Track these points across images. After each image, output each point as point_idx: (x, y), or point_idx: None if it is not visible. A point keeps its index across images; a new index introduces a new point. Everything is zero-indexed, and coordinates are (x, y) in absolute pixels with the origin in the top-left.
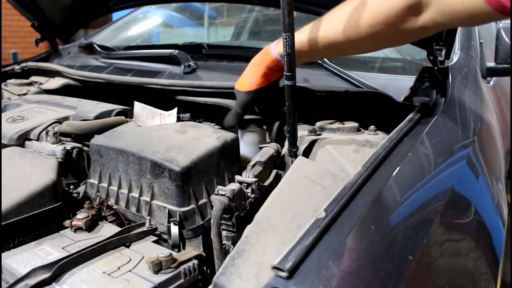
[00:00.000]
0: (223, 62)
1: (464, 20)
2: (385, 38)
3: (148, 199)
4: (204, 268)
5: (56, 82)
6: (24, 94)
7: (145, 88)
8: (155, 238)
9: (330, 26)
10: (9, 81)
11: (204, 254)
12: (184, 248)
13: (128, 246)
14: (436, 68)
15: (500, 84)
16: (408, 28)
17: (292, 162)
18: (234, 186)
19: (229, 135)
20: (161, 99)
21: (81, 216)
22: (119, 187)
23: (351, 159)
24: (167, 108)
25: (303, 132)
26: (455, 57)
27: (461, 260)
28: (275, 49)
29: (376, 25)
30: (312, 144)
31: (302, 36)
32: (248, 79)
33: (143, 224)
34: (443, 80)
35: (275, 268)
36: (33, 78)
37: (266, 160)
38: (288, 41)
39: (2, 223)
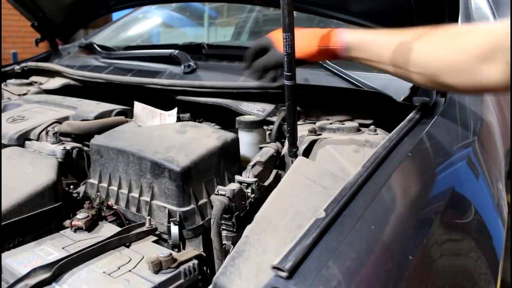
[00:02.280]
0: (223, 62)
1: None
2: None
3: (148, 199)
4: (204, 268)
5: (56, 82)
6: (24, 94)
7: (145, 88)
8: (155, 238)
9: (421, 46)
10: (9, 81)
11: (204, 254)
12: (184, 248)
13: (128, 246)
14: None
15: None
16: (476, 77)
17: (292, 162)
18: (234, 186)
19: (229, 135)
20: (161, 99)
21: (81, 216)
22: (119, 187)
23: (351, 159)
24: (167, 108)
25: (303, 132)
26: None
27: (461, 260)
28: (342, 35)
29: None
30: (312, 144)
31: (388, 40)
32: (296, 44)
33: (143, 224)
34: None
35: (275, 268)
36: (33, 78)
37: (266, 160)
38: (288, 41)
39: (2, 223)
